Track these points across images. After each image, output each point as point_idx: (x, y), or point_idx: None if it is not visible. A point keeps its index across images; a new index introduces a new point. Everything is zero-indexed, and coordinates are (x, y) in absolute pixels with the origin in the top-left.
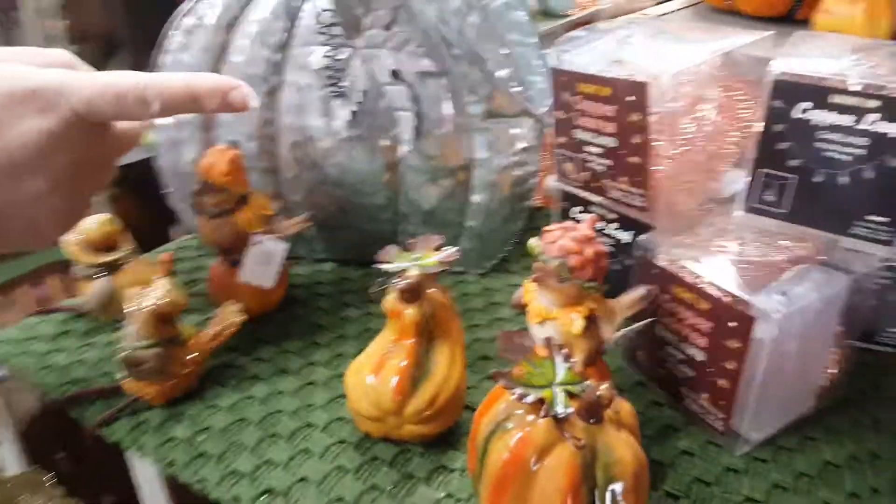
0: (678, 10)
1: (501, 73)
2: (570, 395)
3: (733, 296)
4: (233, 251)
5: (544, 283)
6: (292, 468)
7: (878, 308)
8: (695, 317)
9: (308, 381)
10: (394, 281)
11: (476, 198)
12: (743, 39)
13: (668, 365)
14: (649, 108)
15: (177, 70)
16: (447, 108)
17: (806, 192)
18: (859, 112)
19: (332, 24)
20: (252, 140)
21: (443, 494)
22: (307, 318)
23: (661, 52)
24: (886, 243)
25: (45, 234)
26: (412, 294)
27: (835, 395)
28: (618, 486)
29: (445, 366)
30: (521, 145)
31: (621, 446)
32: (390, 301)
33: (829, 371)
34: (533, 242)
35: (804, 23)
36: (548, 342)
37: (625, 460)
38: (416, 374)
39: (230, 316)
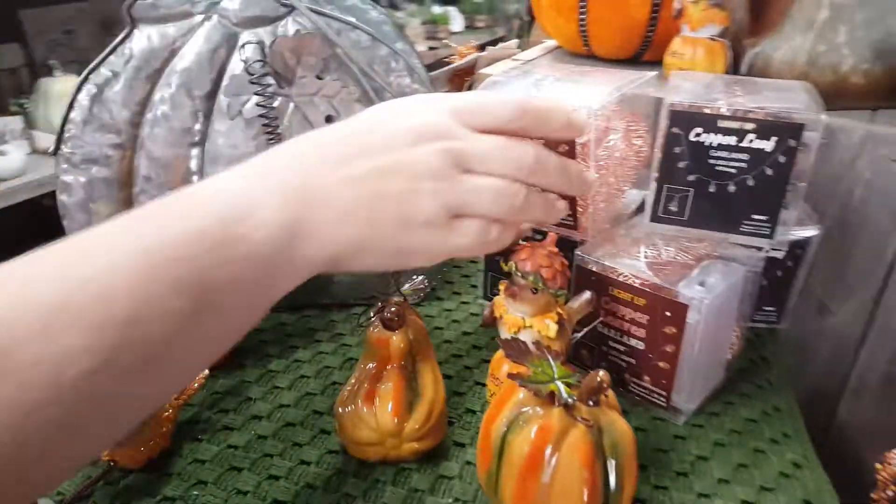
0: (541, 55)
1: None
2: (569, 386)
3: (667, 289)
4: None
5: (519, 296)
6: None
7: (760, 290)
8: (633, 312)
9: (285, 423)
10: (371, 314)
11: None
12: (632, 79)
13: (611, 357)
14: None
15: (91, 127)
16: None
17: (701, 200)
18: (740, 133)
19: (263, 75)
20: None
21: (450, 500)
22: (260, 366)
23: (572, 91)
24: (768, 237)
25: None
26: (397, 321)
27: (737, 366)
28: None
29: (432, 384)
30: None
31: (619, 422)
32: (375, 331)
33: (733, 346)
34: (504, 263)
35: (650, 63)
36: (538, 346)
37: (625, 433)
38: (410, 395)
39: None
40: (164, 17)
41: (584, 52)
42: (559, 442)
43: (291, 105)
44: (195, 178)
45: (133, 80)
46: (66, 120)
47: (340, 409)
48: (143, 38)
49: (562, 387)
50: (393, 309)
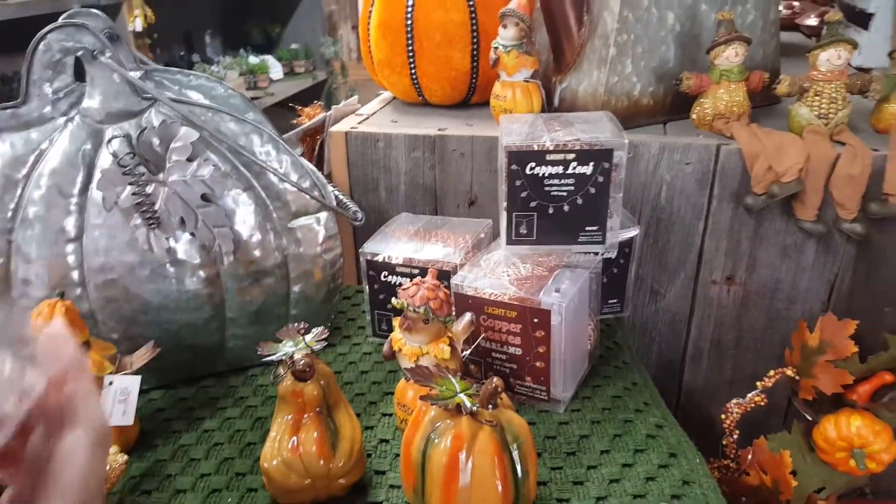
0: (382, 108)
1: (294, 178)
2: (471, 396)
3: (531, 300)
4: None
5: (414, 328)
6: None
7: (603, 287)
8: (508, 324)
9: (210, 491)
10: (281, 370)
11: (295, 288)
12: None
13: (496, 367)
14: None
15: None
16: (257, 218)
17: (544, 221)
18: (565, 163)
19: (135, 165)
20: (55, 295)
21: None
22: (171, 443)
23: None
24: (601, 242)
25: None
26: (309, 372)
27: (597, 354)
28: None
29: (348, 423)
30: (324, 235)
31: (515, 418)
32: (289, 384)
33: (591, 338)
34: (396, 301)
35: (477, 105)
36: (438, 368)
37: (522, 426)
38: (331, 437)
39: (112, 459)
40: (25, 123)
41: (419, 102)
42: (471, 445)
43: (165, 189)
44: (75, 273)
45: (2, 188)
46: None
47: (266, 464)
48: (6, 147)
49: (465, 398)
50: (303, 361)
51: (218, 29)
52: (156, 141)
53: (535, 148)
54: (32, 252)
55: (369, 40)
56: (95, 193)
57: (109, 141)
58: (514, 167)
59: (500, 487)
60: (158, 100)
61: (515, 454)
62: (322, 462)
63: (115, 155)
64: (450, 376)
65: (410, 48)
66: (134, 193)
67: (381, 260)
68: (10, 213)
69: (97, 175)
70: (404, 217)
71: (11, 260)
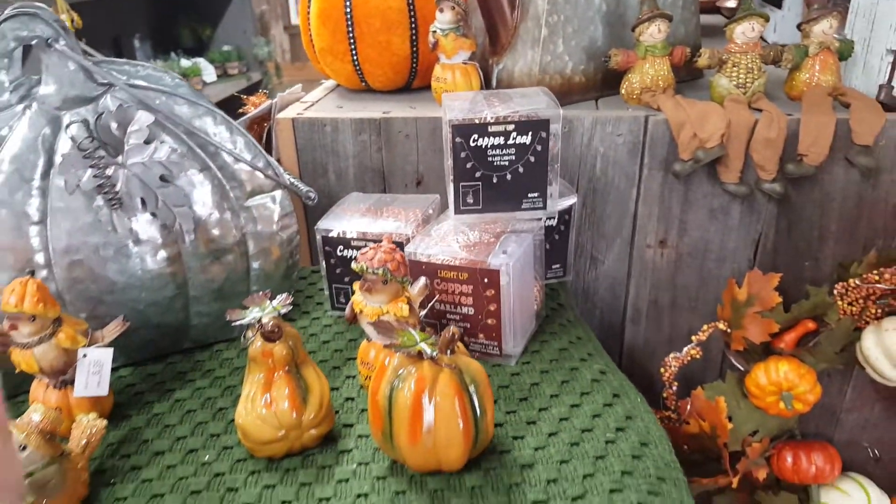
0: (326, 95)
1: (248, 158)
2: (430, 344)
3: (481, 262)
4: (63, 372)
5: (374, 289)
6: (238, 497)
7: (546, 253)
8: (459, 285)
9: (188, 451)
10: (250, 333)
11: (255, 265)
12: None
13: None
14: None
15: None
16: (214, 197)
17: (489, 190)
18: (506, 133)
19: (95, 149)
20: (25, 274)
21: (354, 465)
22: (145, 412)
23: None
24: (542, 208)
25: None
26: (277, 333)
27: (543, 314)
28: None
29: (316, 379)
30: (279, 212)
31: (472, 363)
32: (259, 346)
33: (537, 300)
34: (355, 265)
35: (419, 89)
36: (399, 322)
37: (478, 369)
38: (301, 392)
39: (91, 424)
40: None
41: (362, 88)
42: (433, 387)
43: (125, 171)
44: (40, 255)
45: None
46: None
47: (241, 420)
48: None
49: (425, 345)
50: (272, 323)
51: (147, 33)
52: (114, 125)
53: (478, 121)
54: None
55: (310, 29)
56: (57, 178)
57: (68, 126)
58: (458, 140)
59: (461, 424)
60: (115, 85)
61: (473, 394)
62: (294, 414)
63: (74, 139)
64: (410, 329)
65: (351, 35)
66: (95, 176)
67: (336, 235)
68: None
69: (58, 159)
70: (354, 196)
71: None
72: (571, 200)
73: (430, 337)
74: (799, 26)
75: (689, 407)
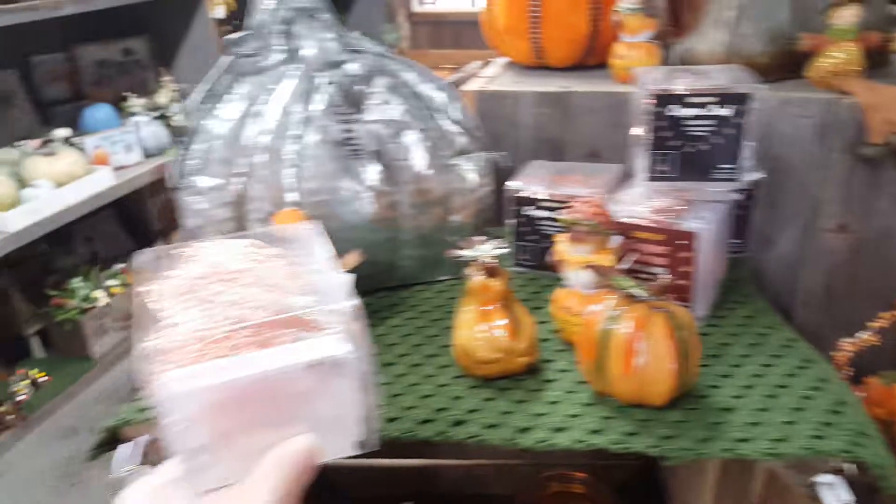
0: (504, 71)
1: (459, 119)
2: (644, 289)
3: (678, 225)
4: None
5: (581, 239)
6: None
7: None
8: (655, 247)
9: (412, 365)
10: (470, 269)
11: (455, 218)
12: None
13: None
14: None
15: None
16: (429, 155)
17: (682, 160)
18: (705, 105)
19: (341, 104)
20: (279, 207)
21: (561, 392)
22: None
23: None
24: (734, 180)
25: None
26: (496, 270)
27: (724, 285)
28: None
29: (525, 314)
30: (479, 173)
31: (680, 309)
32: (479, 280)
33: (722, 269)
34: (566, 216)
35: (593, 67)
36: (608, 269)
37: (687, 316)
38: (514, 323)
39: None
40: (259, 69)
41: (538, 64)
42: (647, 326)
43: (363, 127)
44: (294, 194)
45: (241, 122)
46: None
47: (461, 341)
48: (246, 88)
49: (640, 290)
50: (493, 260)
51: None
52: (357, 87)
53: (677, 91)
54: (264, 175)
55: (495, 9)
56: (312, 129)
57: (322, 86)
58: (656, 109)
59: (670, 363)
60: (361, 51)
61: (682, 338)
62: (509, 340)
63: (327, 97)
64: (623, 275)
65: (535, 14)
66: (341, 130)
67: (526, 195)
68: (250, 143)
69: (313, 114)
70: (538, 163)
71: (249, 181)
72: (757, 175)
73: (638, 284)
74: None
75: (863, 395)
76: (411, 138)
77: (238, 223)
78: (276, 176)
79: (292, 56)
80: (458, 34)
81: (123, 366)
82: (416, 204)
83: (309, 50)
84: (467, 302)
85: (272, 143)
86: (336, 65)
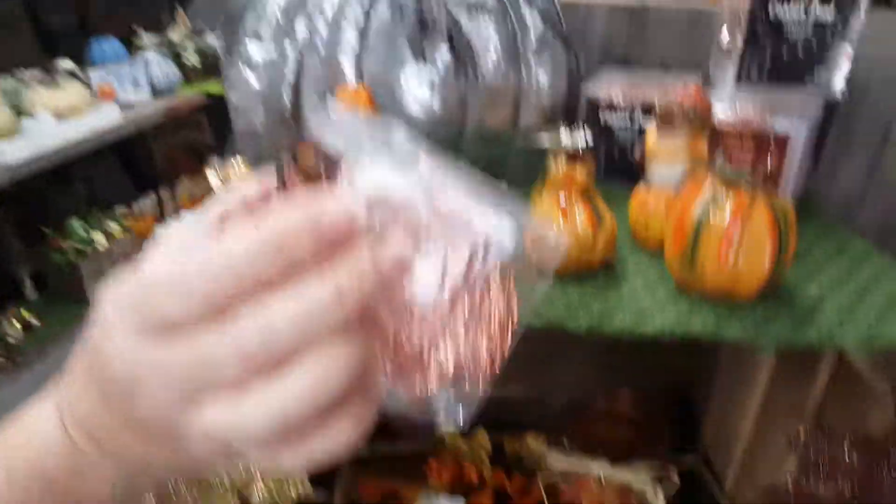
0: None
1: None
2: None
3: (770, 126)
4: None
5: (677, 123)
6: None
7: None
8: (743, 142)
9: None
10: (554, 157)
11: (525, 115)
12: None
13: None
14: None
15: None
16: (504, 47)
17: (778, 65)
18: (807, 2)
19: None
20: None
21: (640, 285)
22: None
23: None
24: (825, 90)
25: None
26: (582, 156)
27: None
28: None
29: (606, 209)
30: (553, 71)
31: (781, 199)
32: (564, 167)
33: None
34: (661, 103)
35: None
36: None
37: (788, 206)
38: (595, 217)
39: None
40: None
41: None
42: (749, 213)
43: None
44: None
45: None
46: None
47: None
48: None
49: (742, 175)
50: (576, 146)
51: None
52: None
53: None
54: (323, 53)
55: None
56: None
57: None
58: (756, 10)
59: (769, 250)
60: None
61: (783, 229)
62: (590, 232)
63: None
64: (722, 159)
65: None
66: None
67: (603, 98)
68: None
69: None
70: (612, 72)
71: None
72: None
73: (738, 172)
74: None
75: None
76: (487, 26)
77: (294, 109)
78: (335, 52)
79: None
80: None
81: None
82: (484, 98)
83: None
84: (546, 193)
85: (335, 15)
86: None
